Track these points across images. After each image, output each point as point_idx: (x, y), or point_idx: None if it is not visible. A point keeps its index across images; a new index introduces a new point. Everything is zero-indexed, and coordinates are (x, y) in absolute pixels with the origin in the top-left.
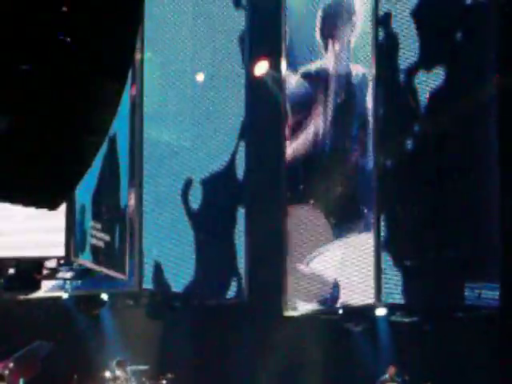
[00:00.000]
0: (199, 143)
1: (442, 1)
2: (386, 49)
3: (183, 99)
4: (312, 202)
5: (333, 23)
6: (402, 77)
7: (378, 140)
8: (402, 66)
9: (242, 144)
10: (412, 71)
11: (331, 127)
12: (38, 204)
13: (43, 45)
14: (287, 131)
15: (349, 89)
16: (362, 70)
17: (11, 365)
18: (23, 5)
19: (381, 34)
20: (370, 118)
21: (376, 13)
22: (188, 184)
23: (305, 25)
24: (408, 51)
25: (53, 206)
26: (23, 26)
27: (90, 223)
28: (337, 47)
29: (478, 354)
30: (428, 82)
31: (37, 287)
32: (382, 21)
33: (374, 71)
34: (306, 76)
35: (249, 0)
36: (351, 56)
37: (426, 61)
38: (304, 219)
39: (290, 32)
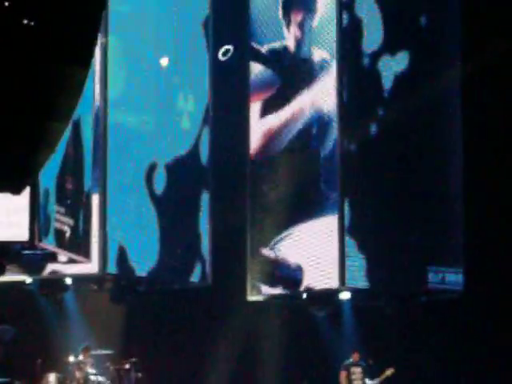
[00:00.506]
0: (163, 128)
1: None
2: (349, 33)
3: (147, 84)
4: (276, 185)
5: (295, 7)
6: (365, 61)
7: (342, 124)
8: (366, 51)
9: (206, 129)
10: (376, 56)
11: (294, 111)
12: (2, 189)
13: (5, 31)
14: (251, 115)
15: (311, 72)
16: (325, 54)
17: None
18: None
19: (345, 18)
20: (334, 103)
21: None
22: (152, 168)
23: (268, 8)
24: (372, 36)
25: (16, 191)
26: None
27: (53, 207)
28: (298, 32)
29: (441, 337)
30: (392, 67)
31: (1, 271)
32: (345, 5)
33: (336, 55)
34: (269, 59)
35: None
36: (313, 40)
37: (390, 45)
38: (268, 203)
39: (254, 15)
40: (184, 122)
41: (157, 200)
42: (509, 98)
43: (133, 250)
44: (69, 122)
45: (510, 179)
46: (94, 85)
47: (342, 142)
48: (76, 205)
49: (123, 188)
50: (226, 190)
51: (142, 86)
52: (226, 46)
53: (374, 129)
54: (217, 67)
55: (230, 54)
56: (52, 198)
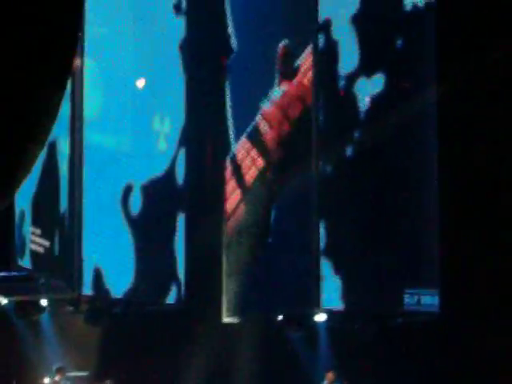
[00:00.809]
0: (140, 149)
1: (382, 8)
2: (326, 55)
3: (124, 105)
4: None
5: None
6: (341, 83)
7: (318, 146)
8: (342, 73)
9: (182, 150)
10: (352, 78)
11: (270, 131)
12: None
13: None
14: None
15: None
16: None
17: None
18: None
19: (320, 40)
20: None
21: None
22: (128, 190)
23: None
24: (348, 58)
25: None
26: None
27: (29, 228)
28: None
29: (417, 358)
30: (368, 89)
31: None
32: (321, 27)
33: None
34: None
35: (190, 5)
36: None
37: (366, 67)
38: (244, 224)
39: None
40: (161, 144)
41: (132, 221)
42: (484, 119)
43: (109, 272)
44: (44, 144)
45: (486, 201)
46: (69, 106)
47: (317, 164)
48: (52, 226)
49: (99, 209)
50: (202, 211)
51: (119, 107)
52: None
53: (349, 151)
54: (193, 89)
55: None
56: (27, 219)
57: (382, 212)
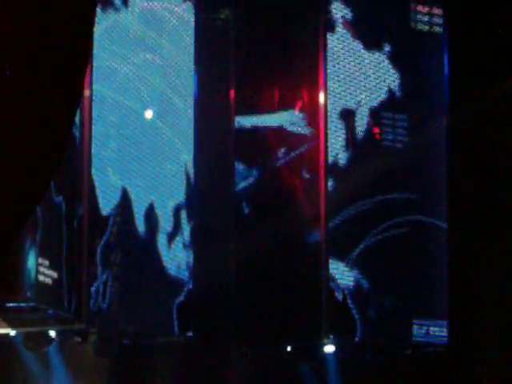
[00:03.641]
0: (147, 182)
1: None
2: None
3: (130, 138)
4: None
5: None
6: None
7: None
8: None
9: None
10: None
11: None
12: None
13: None
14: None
15: None
16: None
17: None
18: None
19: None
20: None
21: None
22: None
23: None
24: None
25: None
26: None
27: (36, 260)
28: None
29: None
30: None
31: None
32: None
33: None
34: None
35: (198, 35)
36: None
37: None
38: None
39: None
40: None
41: (139, 251)
42: (492, 148)
43: (117, 304)
44: (49, 186)
45: (493, 234)
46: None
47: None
48: (59, 258)
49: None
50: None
51: (124, 140)
52: None
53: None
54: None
55: None
56: (34, 251)
57: (391, 245)
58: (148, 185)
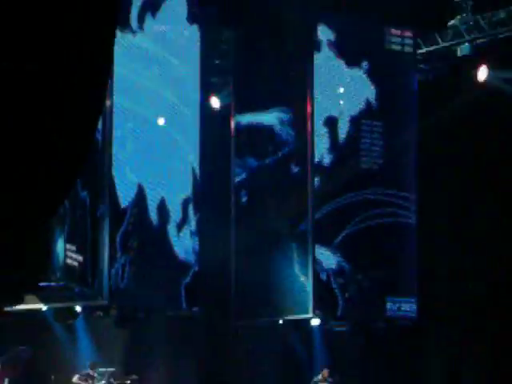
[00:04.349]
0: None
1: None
2: None
3: (142, 140)
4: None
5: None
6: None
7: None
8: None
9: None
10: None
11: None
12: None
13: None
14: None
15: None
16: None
17: None
18: None
19: None
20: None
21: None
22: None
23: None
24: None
25: (35, 230)
26: None
27: (64, 245)
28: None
29: (397, 357)
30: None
31: (20, 301)
32: None
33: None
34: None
35: (202, 53)
36: None
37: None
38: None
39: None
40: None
41: (154, 235)
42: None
43: (134, 282)
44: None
45: (459, 223)
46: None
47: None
48: (84, 244)
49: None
50: (212, 224)
51: (139, 141)
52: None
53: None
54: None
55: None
56: (61, 237)
57: (371, 233)
58: (160, 181)
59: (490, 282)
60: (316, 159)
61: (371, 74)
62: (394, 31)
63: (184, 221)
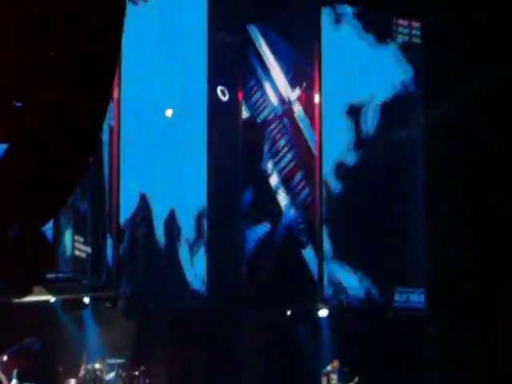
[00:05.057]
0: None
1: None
2: None
3: (154, 129)
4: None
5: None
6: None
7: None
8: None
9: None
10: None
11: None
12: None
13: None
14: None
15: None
16: None
17: (5, 358)
18: None
19: None
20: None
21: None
22: (162, 202)
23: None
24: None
25: (43, 223)
26: None
27: (73, 237)
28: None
29: (405, 346)
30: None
31: (29, 292)
32: None
33: None
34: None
35: (211, 40)
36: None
37: None
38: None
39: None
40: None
41: (164, 230)
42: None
43: (143, 274)
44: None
45: (465, 216)
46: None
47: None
48: (92, 235)
49: (135, 222)
50: (224, 219)
51: (149, 131)
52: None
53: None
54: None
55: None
56: (68, 229)
57: (380, 228)
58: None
59: (500, 272)
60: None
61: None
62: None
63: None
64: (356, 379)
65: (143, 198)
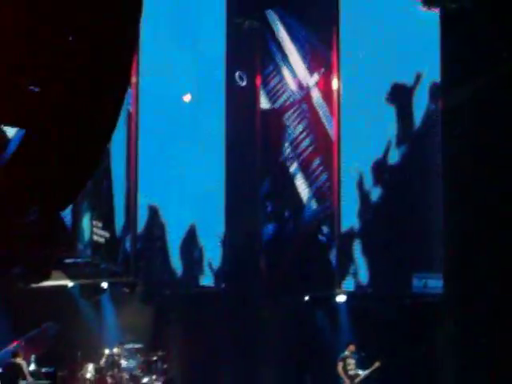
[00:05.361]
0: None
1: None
2: None
3: (172, 116)
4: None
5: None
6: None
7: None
8: None
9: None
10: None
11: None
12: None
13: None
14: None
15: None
16: None
17: (23, 343)
18: None
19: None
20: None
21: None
22: (180, 192)
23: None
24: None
25: (62, 207)
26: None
27: (90, 222)
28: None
29: (422, 333)
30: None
31: (47, 277)
32: None
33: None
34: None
35: (229, 25)
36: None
37: None
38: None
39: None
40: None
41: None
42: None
43: (159, 259)
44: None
45: (483, 201)
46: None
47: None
48: (111, 221)
49: (152, 207)
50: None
51: (167, 118)
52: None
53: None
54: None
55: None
56: (87, 214)
57: (399, 215)
58: None
59: None
60: None
61: None
62: None
63: None
64: (377, 364)
65: (161, 184)
